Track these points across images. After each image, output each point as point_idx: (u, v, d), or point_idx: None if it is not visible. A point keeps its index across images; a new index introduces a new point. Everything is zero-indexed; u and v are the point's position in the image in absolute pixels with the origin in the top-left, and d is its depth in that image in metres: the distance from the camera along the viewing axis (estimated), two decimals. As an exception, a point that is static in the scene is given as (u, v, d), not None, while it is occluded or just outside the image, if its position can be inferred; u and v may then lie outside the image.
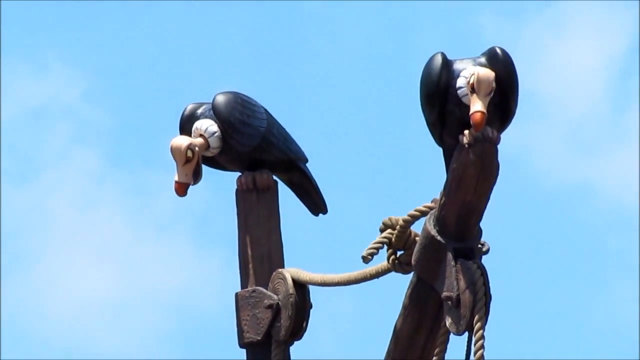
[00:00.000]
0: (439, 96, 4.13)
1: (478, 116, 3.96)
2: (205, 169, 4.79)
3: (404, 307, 4.40)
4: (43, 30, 11.79)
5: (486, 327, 4.11)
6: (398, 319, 4.38)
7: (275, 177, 4.92)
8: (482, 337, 4.07)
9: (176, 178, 4.70)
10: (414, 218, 4.31)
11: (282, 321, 4.69)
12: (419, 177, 4.38)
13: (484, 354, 4.15)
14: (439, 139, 4.20)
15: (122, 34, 11.73)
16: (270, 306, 4.66)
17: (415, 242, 4.31)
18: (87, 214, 11.75)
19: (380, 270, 4.41)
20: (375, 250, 4.34)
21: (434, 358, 4.32)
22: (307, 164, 4.96)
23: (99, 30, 11.73)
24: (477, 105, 4.01)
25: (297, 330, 4.70)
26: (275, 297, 4.70)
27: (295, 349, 4.69)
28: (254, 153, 4.84)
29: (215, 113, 4.74)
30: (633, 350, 10.45)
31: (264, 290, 4.71)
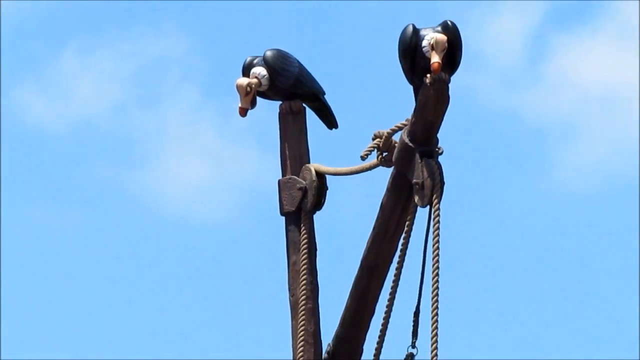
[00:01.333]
0: (410, 52, 5.70)
1: (436, 65, 5.52)
2: (259, 99, 6.63)
3: (388, 190, 6.02)
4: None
5: (441, 203, 5.75)
6: (384, 197, 6.02)
7: (304, 105, 6.66)
8: (438, 209, 5.67)
9: (239, 105, 6.57)
10: (394, 131, 5.92)
11: (308, 198, 6.46)
12: (397, 105, 6.13)
13: (440, 220, 5.76)
14: (411, 81, 5.81)
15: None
16: (300, 188, 6.41)
17: (394, 146, 5.95)
18: (191, 127, 17.83)
19: (372, 165, 6.09)
20: (369, 152, 5.98)
21: (407, 223, 6.07)
22: (325, 95, 6.85)
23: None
24: (435, 58, 5.56)
25: (318, 204, 6.42)
26: (303, 182, 6.42)
27: (317, 218, 6.56)
28: (290, 89, 6.59)
29: (265, 62, 6.56)
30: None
31: (297, 178, 6.46)
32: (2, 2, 16.42)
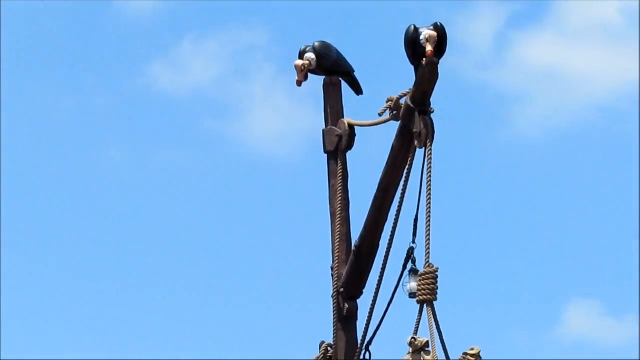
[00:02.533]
0: (412, 44, 7.76)
1: (429, 52, 7.58)
2: (310, 75, 9.04)
3: (397, 136, 8.13)
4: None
5: (432, 145, 7.70)
6: (394, 141, 8.13)
7: (340, 79, 9.08)
8: (431, 149, 7.69)
9: (297, 78, 8.87)
10: (401, 96, 8.14)
11: (343, 141, 8.77)
12: (403, 79, 8.47)
13: (432, 156, 7.70)
14: (412, 63, 7.85)
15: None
16: (337, 135, 8.76)
17: (401, 107, 8.10)
18: (270, 93, 25.18)
19: (386, 119, 8.39)
20: (384, 110, 8.27)
21: (409, 158, 7.94)
22: (354, 73, 9.17)
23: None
24: (428, 47, 7.61)
25: (349, 146, 8.77)
26: (339, 131, 8.79)
27: (348, 155, 8.88)
28: (331, 68, 8.93)
29: (314, 50, 8.81)
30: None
31: (335, 128, 8.84)
32: (143, 2, 25.51)
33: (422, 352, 7.93)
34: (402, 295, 8.44)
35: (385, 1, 22.98)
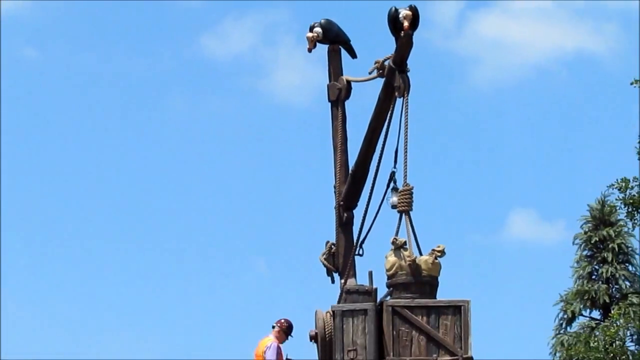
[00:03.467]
0: (393, 20, 10.21)
1: (406, 27, 10.09)
2: (318, 45, 11.51)
3: (382, 89, 10.59)
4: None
5: (409, 96, 10.16)
6: (380, 92, 10.60)
7: (340, 46, 11.54)
8: (407, 99, 10.18)
9: (307, 46, 11.35)
10: (385, 59, 10.60)
11: (342, 93, 11.32)
12: (386, 46, 10.87)
13: (408, 104, 10.17)
14: (394, 34, 10.30)
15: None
16: (338, 88, 11.27)
17: (385, 67, 10.53)
18: (292, 57, 29.70)
19: (374, 77, 10.90)
20: (372, 70, 10.79)
21: (391, 106, 10.38)
22: (350, 42, 11.65)
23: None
24: (405, 23, 10.09)
25: (347, 96, 11.32)
26: (339, 85, 11.29)
27: (347, 103, 11.42)
28: (333, 39, 11.40)
29: (320, 25, 11.27)
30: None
31: (336, 83, 11.37)
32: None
33: (401, 249, 10.36)
34: (386, 207, 10.96)
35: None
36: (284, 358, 12.42)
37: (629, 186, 20.46)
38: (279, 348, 12.37)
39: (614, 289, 25.00)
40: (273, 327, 12.44)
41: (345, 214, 11.46)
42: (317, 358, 10.77)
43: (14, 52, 39.99)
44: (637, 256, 25.30)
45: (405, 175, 10.45)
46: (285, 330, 12.41)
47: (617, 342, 22.79)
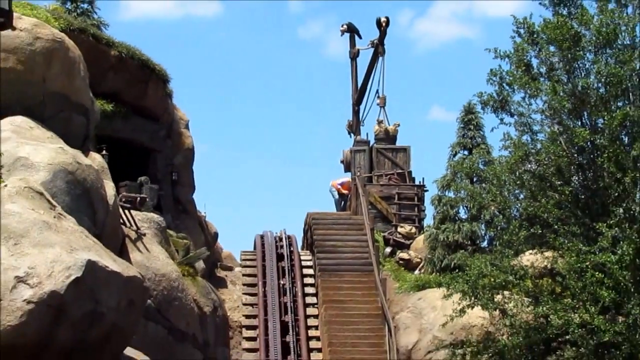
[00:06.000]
0: (378, 21, 23.47)
1: (384, 24, 23.67)
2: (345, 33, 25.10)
3: (373, 52, 23.83)
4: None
5: (385, 56, 23.95)
6: (371, 54, 23.85)
7: (355, 33, 24.84)
8: (384, 58, 23.90)
9: (340, 28, 24.74)
10: (374, 40, 23.81)
11: (356, 54, 24.41)
12: (375, 33, 24.53)
13: (385, 62, 23.83)
14: (378, 28, 23.62)
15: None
16: (354, 52, 24.45)
17: (375, 42, 24.00)
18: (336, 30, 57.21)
19: (370, 47, 23.97)
20: (369, 44, 24.26)
21: (377, 62, 24.16)
22: (360, 32, 25.14)
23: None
24: (383, 23, 23.62)
25: (357, 56, 24.38)
26: (354, 50, 24.49)
27: (358, 60, 24.96)
28: (351, 28, 24.60)
29: (347, 24, 24.61)
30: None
31: (352, 50, 24.68)
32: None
33: (381, 123, 24.02)
34: (375, 107, 24.39)
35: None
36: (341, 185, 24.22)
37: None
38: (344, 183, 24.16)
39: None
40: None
41: (356, 108, 24.62)
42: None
43: None
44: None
45: (383, 90, 24.01)
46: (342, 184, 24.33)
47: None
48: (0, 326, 11.07)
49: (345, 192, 23.15)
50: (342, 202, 23.30)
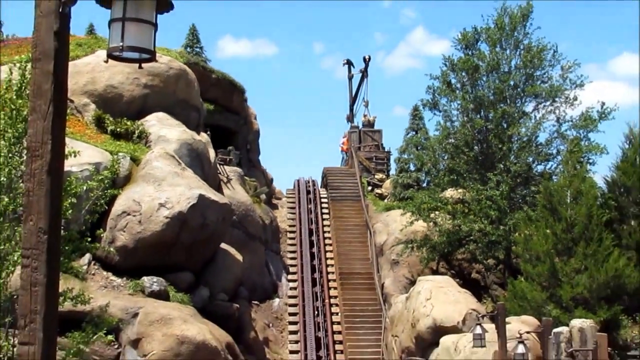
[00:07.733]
0: (364, 59, 23.35)
1: (367, 59, 23.43)
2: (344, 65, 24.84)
3: (361, 76, 24.12)
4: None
5: (368, 77, 23.86)
6: (361, 76, 24.13)
7: (350, 65, 24.50)
8: (367, 78, 23.74)
9: (342, 63, 24.64)
10: (362, 68, 23.92)
11: (351, 76, 24.34)
12: (360, 63, 24.23)
13: (368, 80, 23.80)
14: (364, 62, 23.66)
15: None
16: (350, 75, 24.40)
17: (362, 70, 23.84)
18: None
19: (360, 72, 24.23)
20: (359, 70, 23.72)
21: (364, 80, 24.12)
22: (354, 65, 24.99)
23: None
24: (367, 59, 23.49)
25: (352, 77, 24.53)
26: (351, 74, 24.25)
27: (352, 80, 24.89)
28: (349, 63, 24.69)
29: (347, 60, 24.54)
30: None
31: (350, 73, 24.23)
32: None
33: (366, 116, 23.66)
34: (361, 108, 24.22)
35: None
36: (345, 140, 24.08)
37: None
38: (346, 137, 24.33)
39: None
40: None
41: (351, 107, 24.41)
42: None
43: None
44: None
45: (366, 97, 23.64)
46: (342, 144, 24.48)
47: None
48: (150, 231, 11.68)
49: (344, 147, 23.59)
50: (342, 158, 23.59)
